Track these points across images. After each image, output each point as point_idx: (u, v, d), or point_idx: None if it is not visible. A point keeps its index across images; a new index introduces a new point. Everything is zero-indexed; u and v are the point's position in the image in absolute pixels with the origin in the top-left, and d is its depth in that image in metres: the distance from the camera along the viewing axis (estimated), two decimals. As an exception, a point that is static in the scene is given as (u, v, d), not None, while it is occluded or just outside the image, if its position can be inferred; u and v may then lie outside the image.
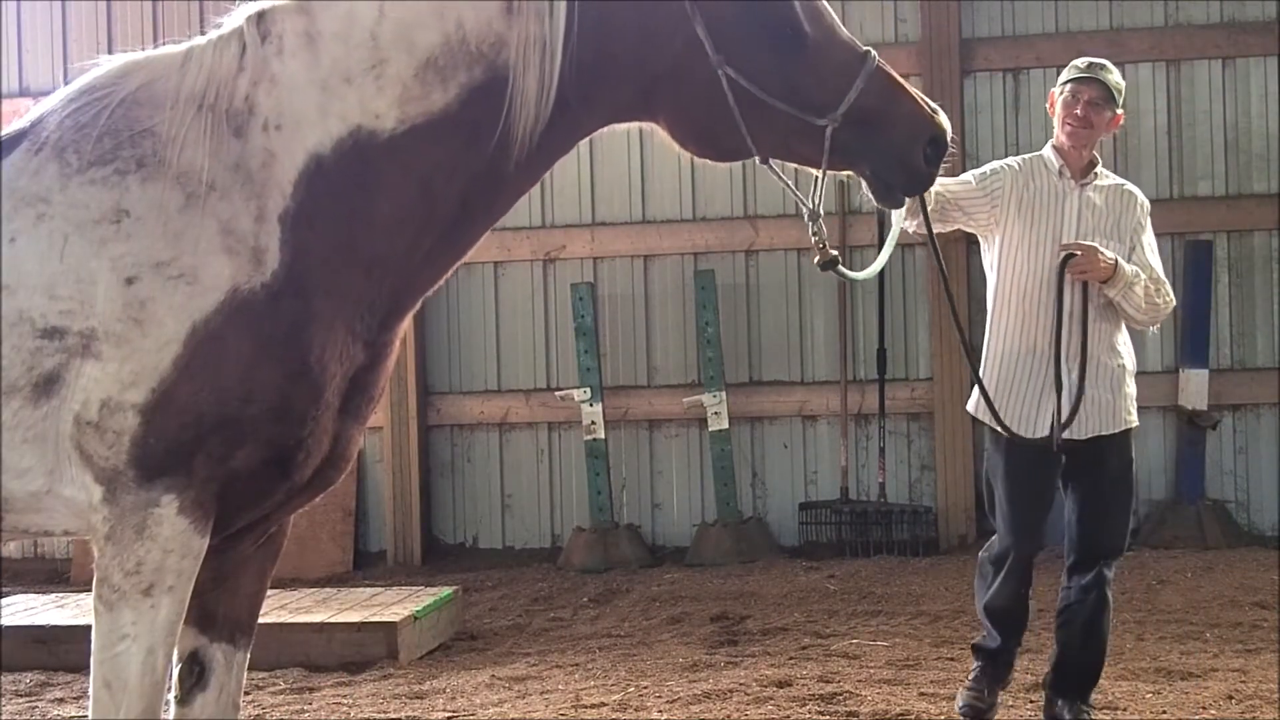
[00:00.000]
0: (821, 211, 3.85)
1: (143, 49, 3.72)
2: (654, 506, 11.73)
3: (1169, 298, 5.98)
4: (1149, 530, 10.89)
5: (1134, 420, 6.03)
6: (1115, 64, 11.86)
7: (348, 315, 3.46)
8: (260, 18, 3.53)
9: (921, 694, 6.77)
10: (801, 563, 10.60)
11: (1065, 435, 5.86)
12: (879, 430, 11.18)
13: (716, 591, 9.73)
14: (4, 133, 3.59)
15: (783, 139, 3.68)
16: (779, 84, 3.60)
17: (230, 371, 3.32)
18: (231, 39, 3.53)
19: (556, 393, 11.48)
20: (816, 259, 4.02)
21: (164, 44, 3.67)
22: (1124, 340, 6.03)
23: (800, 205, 3.87)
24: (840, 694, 6.80)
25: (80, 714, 7.03)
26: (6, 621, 8.34)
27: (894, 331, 11.36)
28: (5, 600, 9.10)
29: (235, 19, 3.56)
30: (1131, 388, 6.02)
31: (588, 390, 11.33)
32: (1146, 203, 6.11)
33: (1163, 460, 11.18)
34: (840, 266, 4.08)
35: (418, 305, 3.77)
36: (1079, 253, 5.77)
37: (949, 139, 3.75)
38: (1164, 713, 6.36)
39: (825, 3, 3.71)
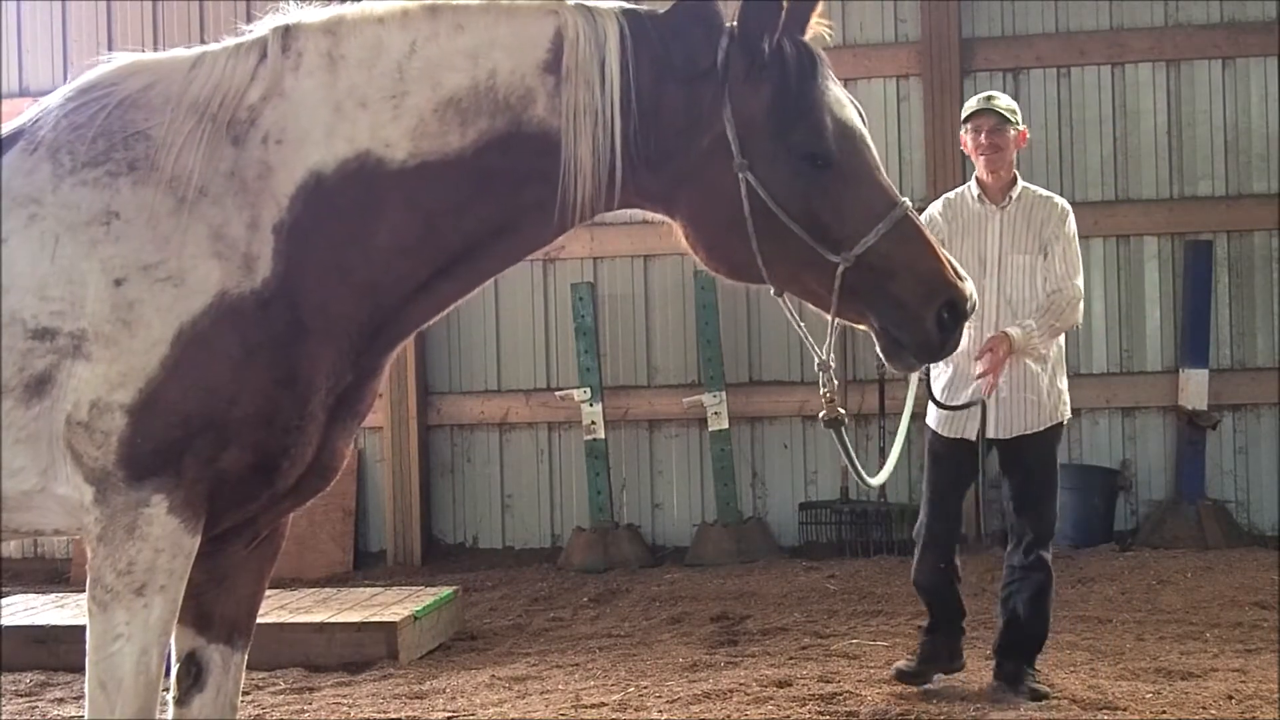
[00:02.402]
0: (833, 363, 3.71)
1: (143, 49, 3.72)
2: (654, 506, 11.73)
3: (1074, 312, 6.59)
4: (1149, 530, 10.90)
5: (1059, 417, 6.71)
6: (1115, 64, 11.97)
7: (337, 333, 3.46)
8: (286, 31, 3.53)
9: (921, 694, 6.76)
10: (801, 563, 10.60)
11: (991, 435, 6.56)
12: (879, 430, 11.17)
13: (716, 591, 9.72)
14: (1, 132, 3.59)
15: (795, 269, 3.57)
16: (798, 205, 3.49)
17: (217, 374, 3.33)
18: (253, 48, 3.52)
19: (556, 393, 11.48)
20: (822, 414, 3.85)
21: (164, 45, 3.66)
22: (1051, 349, 6.67)
23: (812, 353, 3.75)
24: (840, 694, 6.79)
25: (80, 714, 7.03)
26: (6, 621, 8.34)
27: (894, 331, 11.34)
28: (5, 600, 9.09)
29: (262, 29, 3.56)
30: (1053, 388, 6.68)
31: (588, 390, 11.33)
32: (1067, 208, 6.75)
33: (1163, 460, 11.19)
34: (843, 430, 3.90)
35: (413, 334, 3.75)
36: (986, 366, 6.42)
37: (970, 308, 3.56)
38: (1164, 713, 6.36)
39: (869, 140, 3.59)
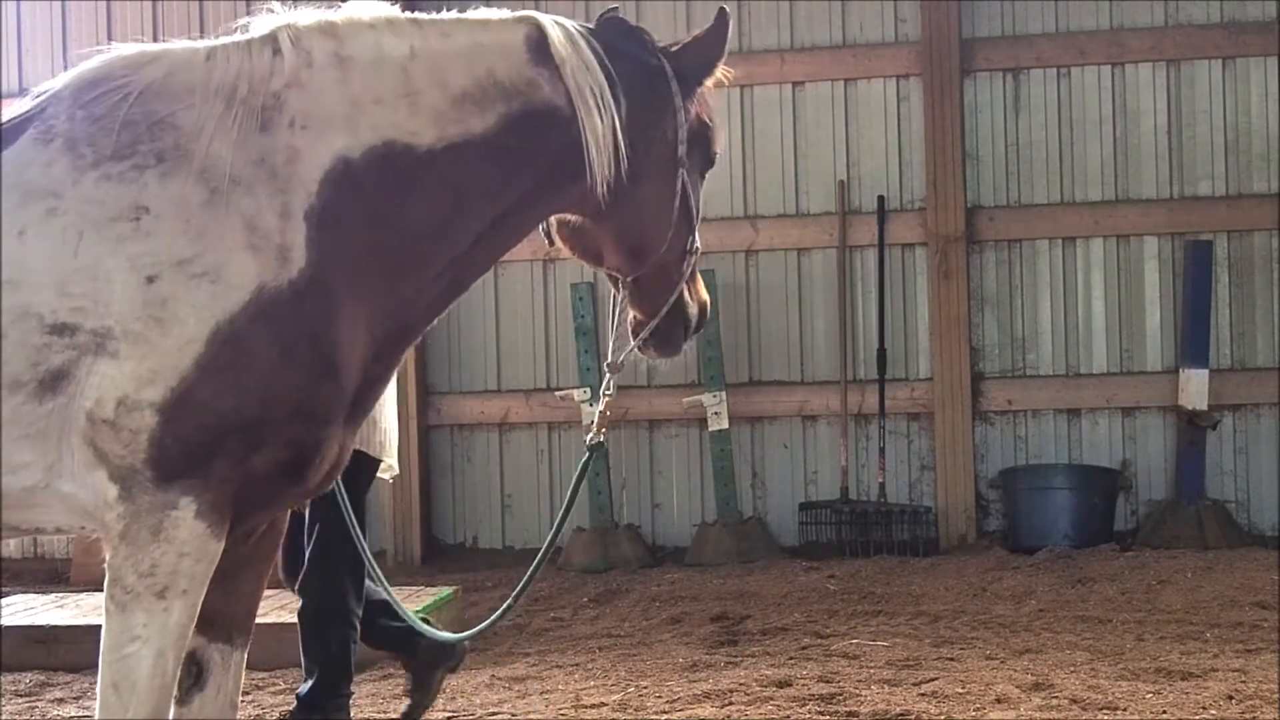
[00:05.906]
0: (621, 368, 4.26)
1: (142, 49, 3.70)
2: (654, 506, 11.73)
3: None
4: (1149, 530, 10.90)
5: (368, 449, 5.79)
6: (1115, 64, 11.94)
7: (370, 319, 3.46)
8: (290, 31, 3.57)
9: (921, 694, 6.76)
10: (801, 563, 10.59)
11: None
12: (879, 430, 11.18)
13: (716, 591, 9.72)
14: (5, 119, 3.54)
15: (673, 257, 3.98)
16: (696, 203, 3.97)
17: (253, 372, 3.28)
18: (266, 43, 3.53)
19: (556, 393, 11.48)
20: (589, 436, 4.32)
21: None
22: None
23: (605, 355, 4.14)
24: (840, 694, 6.79)
25: (80, 714, 7.04)
26: (6, 621, 8.34)
27: (894, 331, 11.37)
28: (5, 600, 9.09)
29: (263, 27, 3.57)
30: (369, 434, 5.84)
31: (588, 390, 11.32)
32: None
33: (1163, 460, 11.19)
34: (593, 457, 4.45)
35: (418, 338, 3.81)
36: None
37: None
38: (1164, 713, 6.36)
39: None
